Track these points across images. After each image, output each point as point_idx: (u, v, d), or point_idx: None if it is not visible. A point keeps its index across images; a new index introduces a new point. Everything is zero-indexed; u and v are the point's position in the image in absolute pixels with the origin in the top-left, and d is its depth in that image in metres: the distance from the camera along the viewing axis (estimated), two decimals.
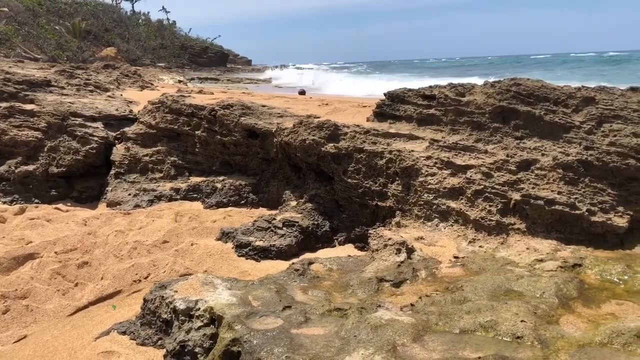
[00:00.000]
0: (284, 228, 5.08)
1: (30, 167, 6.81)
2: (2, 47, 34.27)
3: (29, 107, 7.36)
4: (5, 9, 38.32)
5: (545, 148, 4.41)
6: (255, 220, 5.30)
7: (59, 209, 6.19)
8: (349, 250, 4.91)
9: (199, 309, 3.24)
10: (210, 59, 61.91)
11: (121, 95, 9.07)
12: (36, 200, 6.58)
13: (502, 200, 4.26)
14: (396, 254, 3.99)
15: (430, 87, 5.43)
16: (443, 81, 5.99)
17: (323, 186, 5.48)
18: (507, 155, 4.45)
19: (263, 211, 6.04)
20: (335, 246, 5.11)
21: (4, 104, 7.28)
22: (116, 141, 7.36)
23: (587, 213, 3.97)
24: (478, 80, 6.09)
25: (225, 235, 5.15)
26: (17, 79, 7.85)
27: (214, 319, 3.14)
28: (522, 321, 2.87)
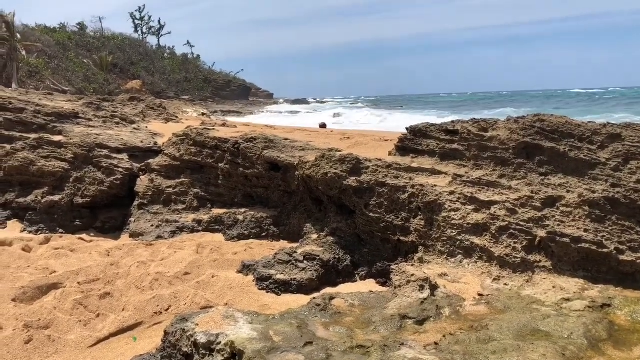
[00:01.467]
0: (305, 261, 5.06)
1: (56, 197, 6.92)
2: (33, 80, 35.31)
3: (56, 138, 7.53)
4: (39, 44, 39.60)
5: (571, 185, 4.36)
6: (276, 253, 5.28)
7: (82, 239, 6.26)
8: (371, 285, 4.86)
9: (220, 342, 3.22)
10: (233, 92, 62.96)
11: (146, 127, 9.23)
12: (60, 230, 6.67)
13: (527, 237, 4.20)
14: (419, 290, 3.93)
15: (453, 122, 5.44)
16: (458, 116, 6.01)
17: (344, 220, 5.46)
18: (532, 192, 4.41)
19: (284, 244, 6.03)
20: (356, 281, 5.07)
21: (34, 135, 7.46)
22: (140, 172, 7.46)
23: (615, 251, 3.89)
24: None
25: (246, 268, 5.14)
26: (47, 111, 8.06)
27: (235, 354, 3.11)
28: None
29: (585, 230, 4.02)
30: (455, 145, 5.13)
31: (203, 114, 17.05)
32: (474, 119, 5.36)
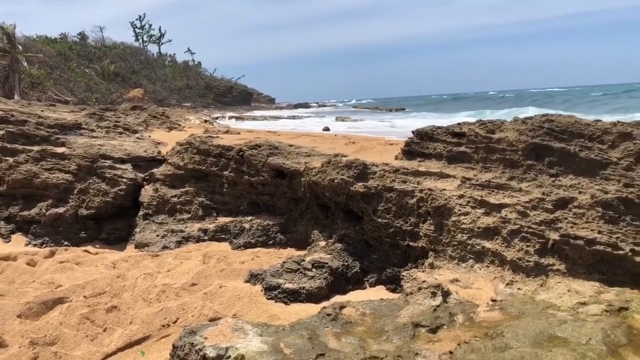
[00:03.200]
0: (313, 269, 4.99)
1: (61, 210, 6.87)
2: (35, 91, 35.42)
3: (60, 149, 7.48)
4: (40, 55, 39.75)
5: (582, 185, 4.28)
6: (284, 262, 5.21)
7: (88, 251, 6.21)
8: (381, 292, 4.79)
9: (230, 357, 3.15)
10: (234, 98, 63.04)
11: (149, 136, 9.18)
12: (65, 243, 6.61)
13: (540, 240, 4.12)
14: (431, 297, 3.86)
15: (459, 124, 5.36)
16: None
17: (352, 226, 5.39)
18: (543, 194, 4.33)
19: (291, 251, 5.96)
20: (366, 288, 4.99)
21: (36, 147, 7.42)
22: (145, 182, 7.40)
23: (630, 253, 3.80)
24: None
25: (253, 278, 5.07)
26: (49, 123, 8.02)
27: None
28: None
29: (599, 232, 3.94)
30: (462, 148, 5.05)
31: (206, 121, 17.02)
32: (480, 120, 5.28)
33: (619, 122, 4.55)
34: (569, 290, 3.79)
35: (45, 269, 5.48)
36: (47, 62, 41.65)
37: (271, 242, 6.29)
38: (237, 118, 35.24)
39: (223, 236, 6.47)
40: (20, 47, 36.14)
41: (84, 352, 3.95)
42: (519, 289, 3.97)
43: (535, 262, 4.06)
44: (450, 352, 3.15)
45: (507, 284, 4.04)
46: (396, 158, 5.65)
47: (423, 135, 5.43)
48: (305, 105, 73.97)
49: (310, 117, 40.73)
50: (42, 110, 9.10)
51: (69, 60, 46.45)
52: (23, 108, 8.89)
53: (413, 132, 5.59)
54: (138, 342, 4.18)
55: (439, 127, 5.43)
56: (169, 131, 10.47)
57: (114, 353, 4.03)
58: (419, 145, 5.42)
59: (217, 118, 27.60)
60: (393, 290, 4.79)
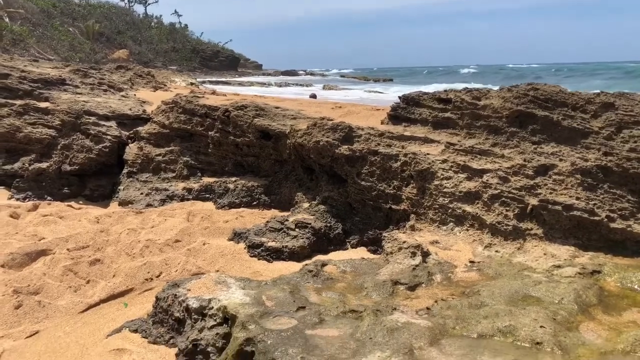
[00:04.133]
0: (296, 229, 5.05)
1: (44, 165, 6.82)
2: (17, 48, 34.62)
3: (43, 105, 7.39)
4: (22, 11, 38.73)
5: (563, 153, 4.35)
6: (267, 221, 5.26)
7: (71, 206, 6.20)
8: (362, 253, 4.87)
9: (212, 307, 3.21)
10: (221, 62, 62.22)
11: (135, 95, 9.09)
12: (49, 198, 6.59)
13: (519, 205, 4.21)
14: (411, 257, 3.94)
15: (446, 90, 5.39)
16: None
17: (336, 188, 5.44)
18: (524, 160, 4.40)
19: (275, 212, 6.01)
20: (347, 249, 5.07)
21: (19, 102, 7.31)
22: (129, 140, 7.36)
23: (606, 219, 3.91)
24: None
25: (237, 236, 5.12)
26: (33, 77, 7.89)
27: (227, 318, 3.10)
28: (541, 327, 2.81)
29: (577, 199, 4.04)
30: (448, 114, 5.10)
31: (192, 84, 16.82)
32: (467, 88, 5.32)
33: (602, 92, 4.61)
34: (545, 254, 3.89)
35: (28, 222, 5.48)
36: (29, 19, 40.61)
37: (255, 203, 6.32)
38: (223, 83, 34.87)
39: (207, 196, 6.49)
40: (1, 1, 35.17)
41: (67, 302, 3.99)
42: (496, 251, 4.07)
43: (513, 226, 4.15)
44: (428, 308, 3.23)
45: (486, 247, 4.13)
46: (382, 123, 5.68)
47: (409, 101, 5.46)
48: (293, 73, 73.27)
49: (298, 85, 40.42)
50: (24, 65, 8.92)
51: (52, 18, 45.33)
52: (5, 62, 8.71)
53: (400, 97, 5.61)
54: (121, 294, 4.23)
55: (425, 93, 5.46)
56: (154, 91, 10.36)
57: (97, 304, 4.08)
58: (405, 110, 5.45)
59: (203, 82, 27.30)
60: (374, 252, 4.87)
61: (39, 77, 7.99)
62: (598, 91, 4.71)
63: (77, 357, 3.25)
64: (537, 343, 2.70)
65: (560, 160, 4.31)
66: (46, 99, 7.58)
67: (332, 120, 5.72)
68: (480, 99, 4.97)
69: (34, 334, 3.61)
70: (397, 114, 5.50)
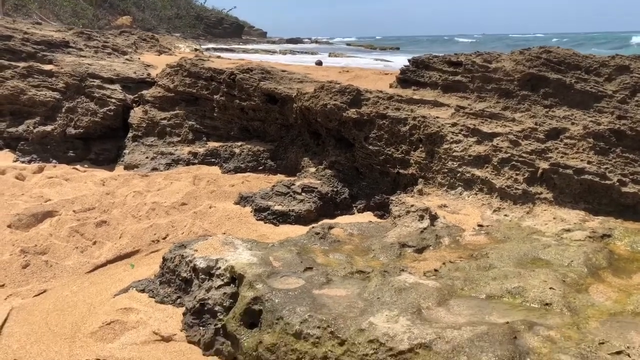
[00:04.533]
0: (303, 193, 5.02)
1: (48, 128, 6.78)
2: (19, 14, 34.23)
3: (47, 67, 7.31)
4: None
5: (576, 117, 4.28)
6: (274, 185, 5.23)
7: (76, 169, 6.17)
8: (369, 217, 4.84)
9: (220, 267, 3.20)
10: (225, 30, 61.47)
11: (139, 58, 8.97)
12: (54, 161, 6.56)
13: (530, 169, 4.16)
14: (419, 220, 3.91)
15: (457, 54, 5.29)
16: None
17: (343, 153, 5.39)
18: (536, 124, 4.33)
19: (281, 177, 5.97)
20: (354, 213, 5.05)
21: (23, 64, 7.23)
22: (134, 104, 7.29)
23: (617, 183, 3.86)
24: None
25: (243, 200, 5.10)
26: (36, 39, 7.78)
27: (235, 278, 3.09)
28: (550, 288, 2.79)
29: (589, 162, 3.98)
30: (458, 77, 5.00)
31: (196, 50, 16.62)
32: (478, 51, 5.22)
33: (617, 55, 4.51)
34: (554, 218, 3.85)
35: (34, 183, 5.46)
36: None
37: (261, 167, 6.29)
38: (227, 50, 34.48)
39: (213, 160, 6.45)
40: None
41: (74, 262, 3.99)
42: (505, 215, 4.03)
43: (523, 190, 4.11)
44: (435, 270, 3.22)
45: (494, 211, 4.10)
46: (391, 86, 5.60)
47: (419, 64, 5.36)
48: (298, 41, 72.34)
49: (304, 53, 39.95)
50: (27, 28, 8.79)
51: None
52: (8, 24, 8.59)
53: (409, 60, 5.51)
54: (128, 255, 4.23)
55: (435, 56, 5.36)
56: (158, 55, 10.23)
57: (103, 265, 4.08)
58: (414, 73, 5.36)
59: (207, 49, 26.98)
60: (381, 217, 4.85)
61: (42, 39, 7.88)
62: (614, 54, 4.60)
63: (84, 315, 3.26)
64: (547, 304, 2.69)
65: (572, 124, 4.23)
66: (50, 62, 7.49)
67: (339, 83, 5.63)
68: (491, 62, 4.87)
69: (41, 293, 3.61)
70: (407, 77, 5.41)
